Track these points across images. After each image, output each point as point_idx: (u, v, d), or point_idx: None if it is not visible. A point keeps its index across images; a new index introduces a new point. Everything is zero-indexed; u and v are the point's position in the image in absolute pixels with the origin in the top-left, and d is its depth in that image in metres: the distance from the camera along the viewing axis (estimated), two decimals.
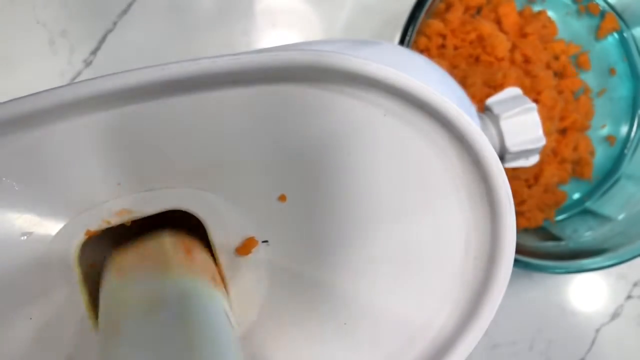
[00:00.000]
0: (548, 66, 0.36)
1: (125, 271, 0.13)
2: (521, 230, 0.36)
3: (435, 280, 0.14)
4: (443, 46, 0.35)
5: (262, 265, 0.14)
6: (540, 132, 0.26)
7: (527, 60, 0.36)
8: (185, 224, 0.15)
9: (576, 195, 0.38)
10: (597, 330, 0.38)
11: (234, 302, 0.14)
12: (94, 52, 0.36)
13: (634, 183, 0.37)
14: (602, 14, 0.38)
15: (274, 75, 0.13)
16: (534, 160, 0.27)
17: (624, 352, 0.38)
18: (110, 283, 0.13)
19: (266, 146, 0.13)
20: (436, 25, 0.34)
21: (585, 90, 0.37)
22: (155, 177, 0.13)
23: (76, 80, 0.35)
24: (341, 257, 0.14)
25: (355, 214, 0.14)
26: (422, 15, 0.31)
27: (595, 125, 0.38)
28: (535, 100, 0.35)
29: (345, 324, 0.14)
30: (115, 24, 0.36)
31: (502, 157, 0.26)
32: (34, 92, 0.11)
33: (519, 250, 0.32)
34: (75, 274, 0.13)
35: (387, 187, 0.14)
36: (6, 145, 0.12)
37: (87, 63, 0.36)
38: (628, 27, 0.38)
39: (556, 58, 0.37)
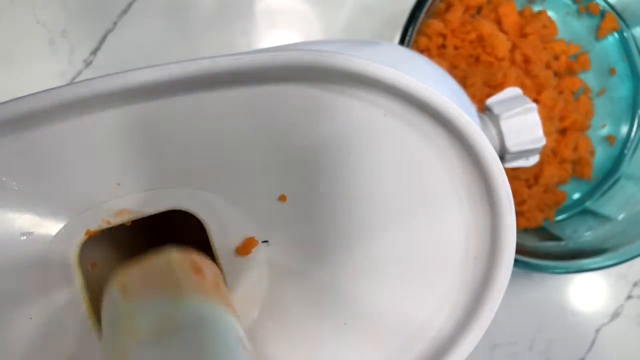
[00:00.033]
0: (548, 66, 0.36)
1: (132, 293, 0.12)
2: (521, 230, 0.36)
3: (435, 280, 0.14)
4: (443, 46, 0.35)
5: (263, 265, 0.14)
6: (540, 132, 0.26)
7: (527, 60, 0.36)
8: (185, 224, 0.15)
9: (576, 195, 0.38)
10: (597, 330, 0.38)
11: (235, 302, 0.14)
12: (94, 52, 0.36)
13: (634, 183, 0.37)
14: (602, 14, 0.38)
15: (274, 75, 0.13)
16: (534, 160, 0.27)
17: (624, 352, 0.38)
18: (115, 304, 0.12)
19: (266, 146, 0.13)
20: (436, 25, 0.34)
21: (585, 90, 0.37)
22: (155, 177, 0.13)
23: (76, 80, 0.35)
24: (341, 256, 0.14)
25: (355, 214, 0.14)
26: (422, 15, 0.31)
27: (595, 125, 0.38)
28: (535, 100, 0.35)
29: (345, 323, 0.14)
30: (115, 24, 0.36)
31: (502, 157, 0.26)
32: (34, 92, 0.11)
33: (519, 250, 0.32)
34: (76, 273, 0.13)
35: (387, 186, 0.14)
36: (6, 145, 0.12)
37: (87, 63, 0.36)
38: (628, 27, 0.38)
39: (556, 58, 0.37)
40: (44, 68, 0.36)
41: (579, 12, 0.38)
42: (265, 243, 0.14)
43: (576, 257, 0.32)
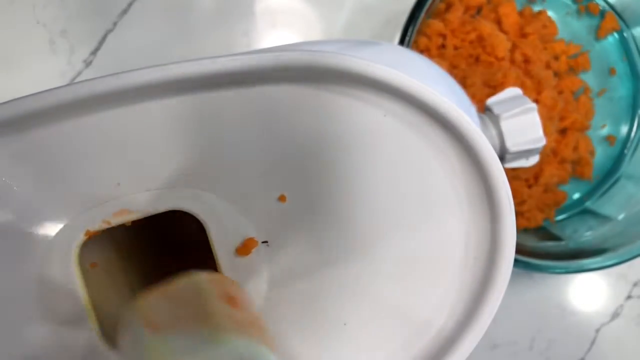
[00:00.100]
0: (548, 66, 0.36)
1: (160, 327, 0.11)
2: (521, 230, 0.36)
3: (435, 280, 0.14)
4: (443, 46, 0.35)
5: (263, 266, 0.14)
6: (540, 132, 0.26)
7: (527, 60, 0.36)
8: (185, 225, 0.15)
9: (576, 195, 0.38)
10: (597, 330, 0.38)
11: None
12: (94, 52, 0.36)
13: (634, 183, 0.37)
14: (602, 14, 0.38)
15: (274, 76, 0.13)
16: (534, 160, 0.27)
17: (624, 352, 0.38)
18: (140, 338, 0.11)
19: (266, 146, 0.13)
20: (436, 25, 0.34)
21: (585, 90, 0.37)
22: (155, 177, 0.13)
23: (76, 81, 0.35)
24: (341, 257, 0.14)
25: (355, 215, 0.14)
26: (422, 15, 0.31)
27: (595, 125, 0.38)
28: (535, 100, 0.35)
29: (345, 324, 0.14)
30: (115, 24, 0.36)
31: (502, 158, 0.26)
32: (34, 92, 0.11)
33: (519, 250, 0.32)
34: (76, 274, 0.13)
35: (387, 187, 0.14)
36: (6, 146, 0.12)
37: (87, 63, 0.36)
38: (628, 27, 0.38)
39: (556, 58, 0.37)
40: (44, 68, 0.36)
41: (579, 12, 0.38)
42: (265, 243, 0.14)
43: (576, 257, 0.32)
